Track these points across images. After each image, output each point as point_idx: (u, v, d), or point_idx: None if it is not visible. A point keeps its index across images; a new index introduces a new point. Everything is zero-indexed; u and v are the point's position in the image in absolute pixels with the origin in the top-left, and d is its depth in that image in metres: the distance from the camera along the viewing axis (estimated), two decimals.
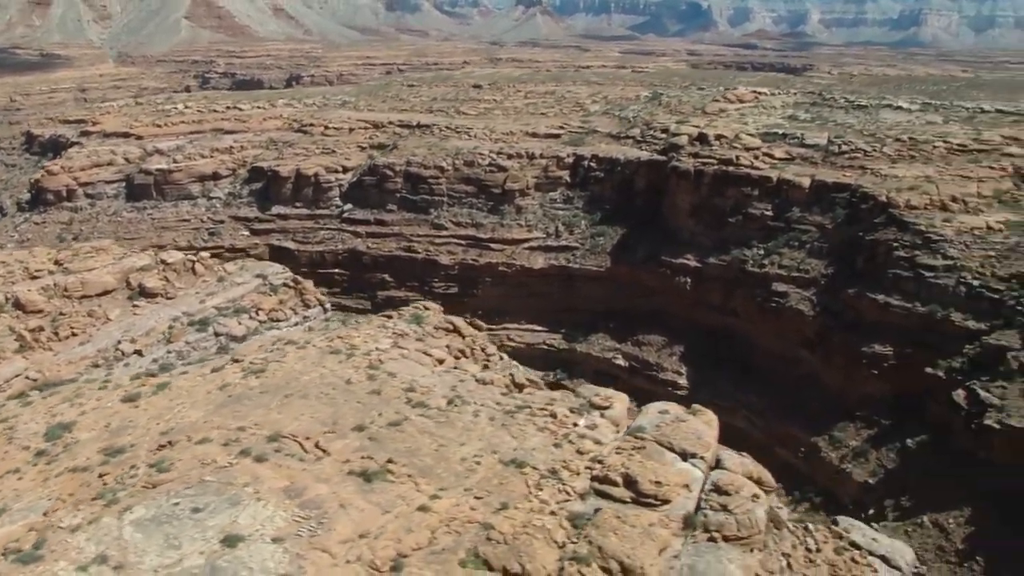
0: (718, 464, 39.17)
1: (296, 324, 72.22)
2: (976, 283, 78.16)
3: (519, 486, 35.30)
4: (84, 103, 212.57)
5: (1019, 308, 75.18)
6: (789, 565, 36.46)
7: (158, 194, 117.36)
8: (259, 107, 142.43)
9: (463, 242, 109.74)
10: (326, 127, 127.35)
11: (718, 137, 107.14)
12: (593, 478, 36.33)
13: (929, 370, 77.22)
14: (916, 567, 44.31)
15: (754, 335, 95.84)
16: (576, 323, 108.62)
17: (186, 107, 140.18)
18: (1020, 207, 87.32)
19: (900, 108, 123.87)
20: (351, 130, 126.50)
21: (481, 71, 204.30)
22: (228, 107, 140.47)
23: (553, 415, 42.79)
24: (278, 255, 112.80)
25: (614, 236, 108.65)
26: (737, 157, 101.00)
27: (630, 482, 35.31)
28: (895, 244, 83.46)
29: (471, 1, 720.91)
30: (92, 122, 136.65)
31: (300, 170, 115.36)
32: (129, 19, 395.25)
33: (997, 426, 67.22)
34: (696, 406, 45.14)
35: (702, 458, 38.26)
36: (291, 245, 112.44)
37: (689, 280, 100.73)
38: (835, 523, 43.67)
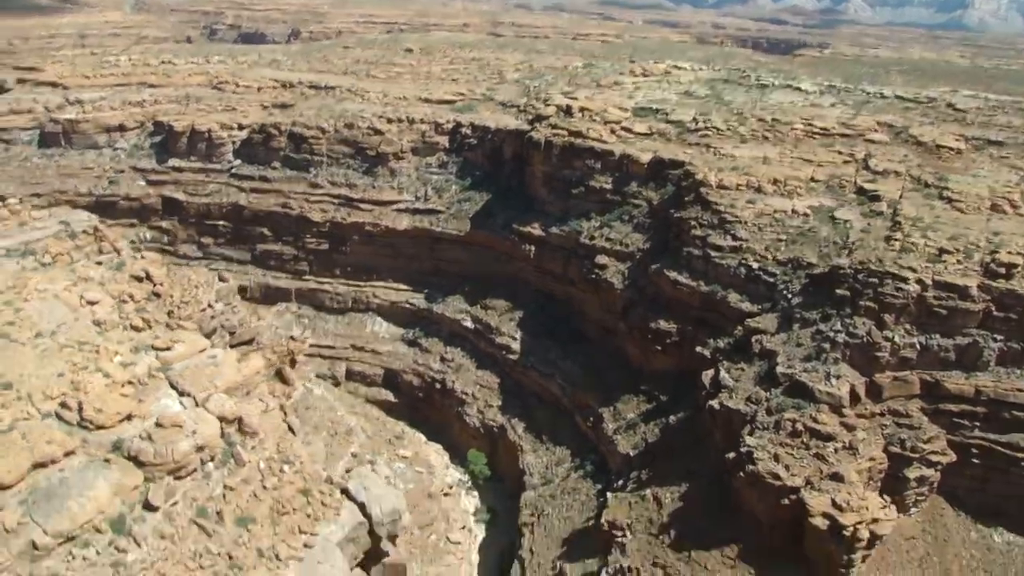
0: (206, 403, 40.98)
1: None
2: (756, 265, 77.19)
3: None
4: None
5: (787, 293, 74.13)
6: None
7: (66, 142, 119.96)
8: (193, 62, 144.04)
9: (336, 201, 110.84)
10: (237, 85, 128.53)
11: (582, 109, 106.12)
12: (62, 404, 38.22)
13: (699, 349, 76.80)
14: (394, 515, 45.46)
15: (584, 305, 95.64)
16: (439, 285, 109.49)
17: (121, 60, 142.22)
18: (842, 194, 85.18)
19: (798, 89, 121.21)
20: (259, 89, 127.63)
21: (429, 36, 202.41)
22: (162, 62, 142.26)
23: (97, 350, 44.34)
24: (170, 206, 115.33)
25: (479, 202, 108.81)
26: (588, 130, 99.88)
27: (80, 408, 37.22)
28: (694, 223, 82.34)
29: None
30: (34, 69, 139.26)
31: (195, 126, 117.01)
32: None
33: (718, 407, 66.96)
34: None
35: (193, 398, 39.79)
36: (181, 196, 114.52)
37: (533, 248, 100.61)
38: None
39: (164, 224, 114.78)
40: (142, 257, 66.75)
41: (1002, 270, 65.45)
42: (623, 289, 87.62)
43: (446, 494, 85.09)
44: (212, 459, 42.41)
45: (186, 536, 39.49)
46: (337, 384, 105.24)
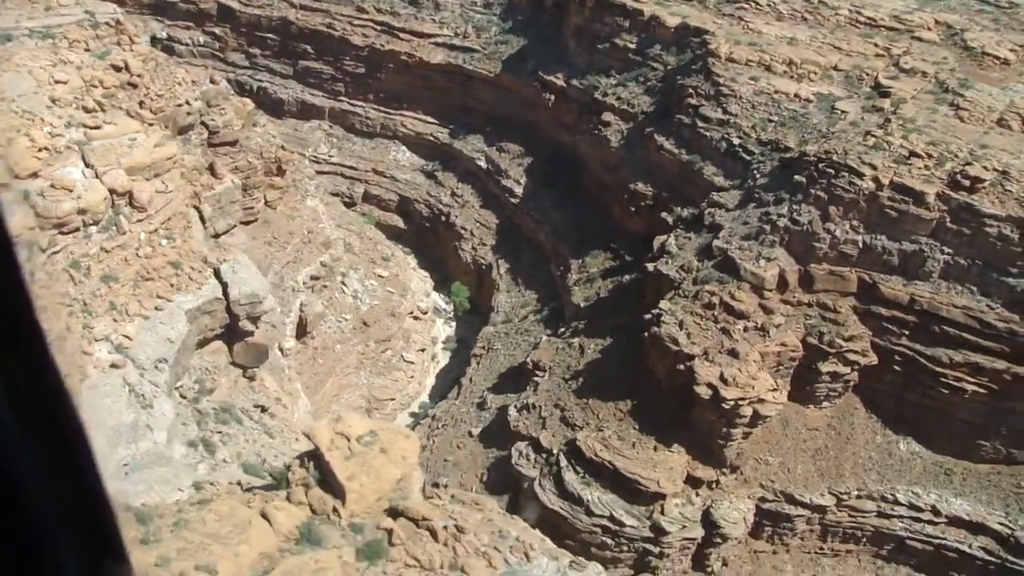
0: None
1: None
2: (737, 142, 75.59)
3: None
4: None
5: (756, 173, 72.65)
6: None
7: None
8: None
9: (377, 27, 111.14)
10: None
11: None
12: None
13: (664, 215, 76.60)
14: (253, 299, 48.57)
15: (587, 160, 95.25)
16: (464, 122, 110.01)
17: None
18: (858, 87, 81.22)
19: None
20: None
21: None
22: None
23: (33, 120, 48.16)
24: (224, 13, 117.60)
25: (516, 46, 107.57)
26: None
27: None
28: (692, 92, 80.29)
29: None
30: None
31: None
32: None
33: (651, 270, 67.45)
34: None
35: (94, 169, 43.62)
36: (235, 5, 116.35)
37: (553, 98, 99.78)
38: None
39: (217, 31, 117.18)
40: (130, 49, 69.32)
41: (967, 182, 62.35)
42: (618, 148, 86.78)
43: (416, 318, 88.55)
44: (96, 223, 45.89)
45: (57, 279, 43.52)
46: (352, 204, 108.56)
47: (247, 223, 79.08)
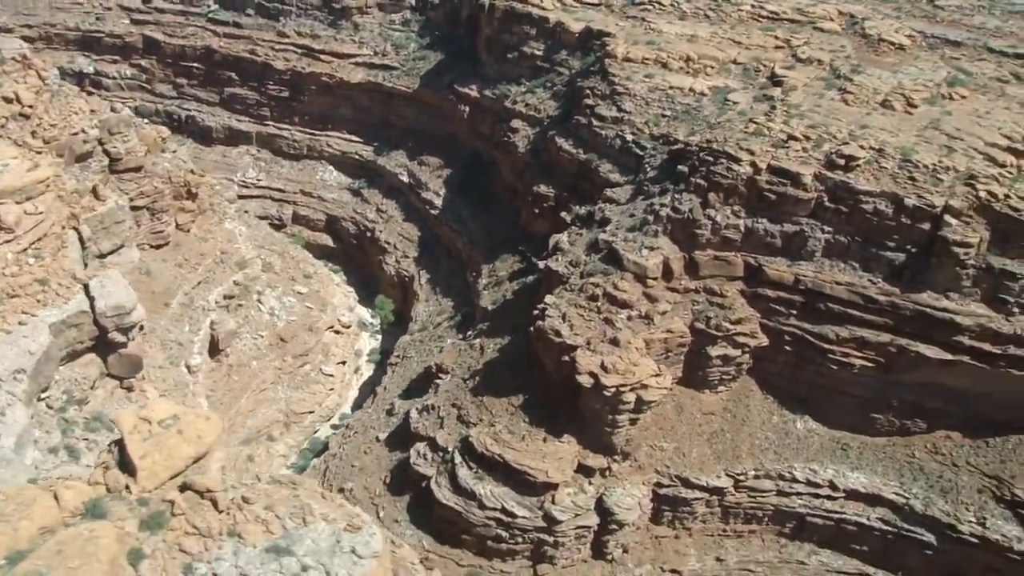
0: None
1: None
2: (630, 138, 76.60)
3: None
4: None
5: (648, 166, 73.59)
6: None
7: None
8: None
9: (299, 51, 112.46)
10: None
11: None
12: None
13: (563, 214, 77.42)
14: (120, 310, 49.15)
15: (501, 168, 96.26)
16: (387, 139, 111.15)
17: None
18: (754, 79, 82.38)
19: None
20: None
21: None
22: None
23: None
24: (149, 45, 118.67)
25: (433, 61, 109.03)
26: None
27: None
28: (589, 92, 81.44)
29: None
30: None
31: None
32: None
33: (542, 266, 68.13)
34: None
35: None
36: (161, 37, 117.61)
37: (468, 109, 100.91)
38: None
39: (143, 63, 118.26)
40: (24, 81, 70.03)
41: (842, 161, 63.21)
42: (524, 153, 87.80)
43: (337, 332, 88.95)
44: None
45: None
46: (282, 226, 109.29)
47: (158, 246, 79.88)
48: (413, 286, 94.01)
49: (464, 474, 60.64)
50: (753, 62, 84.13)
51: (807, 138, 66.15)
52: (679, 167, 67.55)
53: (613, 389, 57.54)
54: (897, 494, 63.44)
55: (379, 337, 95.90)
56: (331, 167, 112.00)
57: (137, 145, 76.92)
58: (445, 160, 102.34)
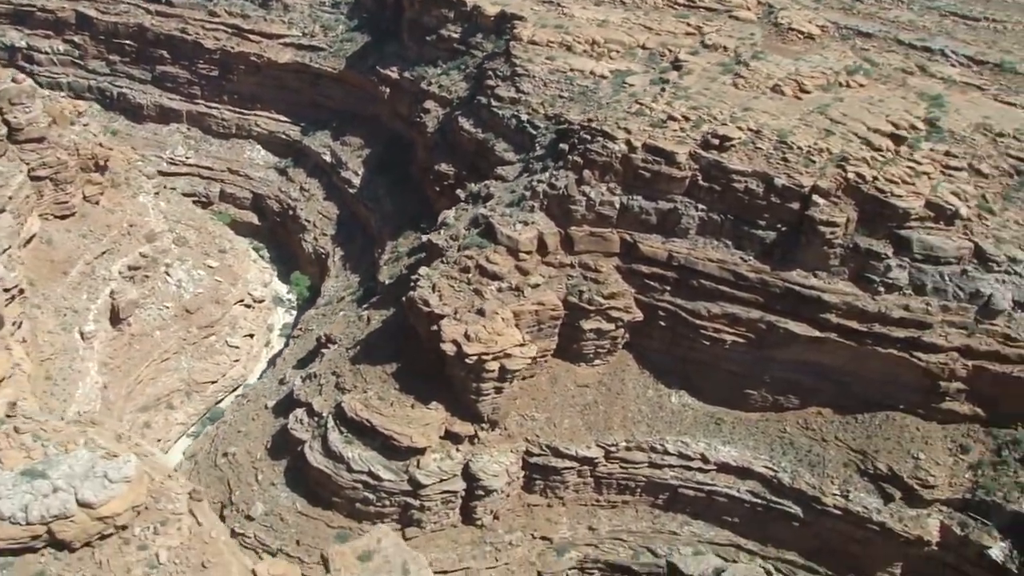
0: None
1: None
2: (525, 118, 77.54)
3: None
4: None
5: (537, 145, 74.67)
6: None
7: None
8: None
9: (229, 30, 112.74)
10: None
11: None
12: None
13: (458, 192, 78.45)
14: None
15: (417, 146, 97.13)
16: (314, 119, 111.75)
17: None
18: (658, 63, 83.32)
19: None
20: None
21: None
22: None
23: None
24: (82, 21, 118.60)
25: (360, 43, 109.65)
26: None
27: None
28: (491, 74, 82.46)
29: None
30: None
31: None
32: None
33: (424, 240, 69.20)
34: None
35: None
36: (93, 13, 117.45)
37: (388, 90, 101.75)
38: None
39: (76, 39, 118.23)
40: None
41: (716, 141, 64.42)
42: (433, 132, 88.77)
43: (248, 306, 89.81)
44: None
45: None
46: (210, 203, 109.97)
47: (62, 216, 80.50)
48: (328, 263, 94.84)
49: (335, 438, 61.78)
50: (660, 47, 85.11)
51: (686, 119, 67.29)
52: (561, 145, 68.57)
53: (475, 357, 58.74)
54: (766, 467, 65.02)
55: (294, 313, 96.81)
56: (259, 146, 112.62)
57: (40, 116, 77.26)
58: (367, 140, 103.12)
